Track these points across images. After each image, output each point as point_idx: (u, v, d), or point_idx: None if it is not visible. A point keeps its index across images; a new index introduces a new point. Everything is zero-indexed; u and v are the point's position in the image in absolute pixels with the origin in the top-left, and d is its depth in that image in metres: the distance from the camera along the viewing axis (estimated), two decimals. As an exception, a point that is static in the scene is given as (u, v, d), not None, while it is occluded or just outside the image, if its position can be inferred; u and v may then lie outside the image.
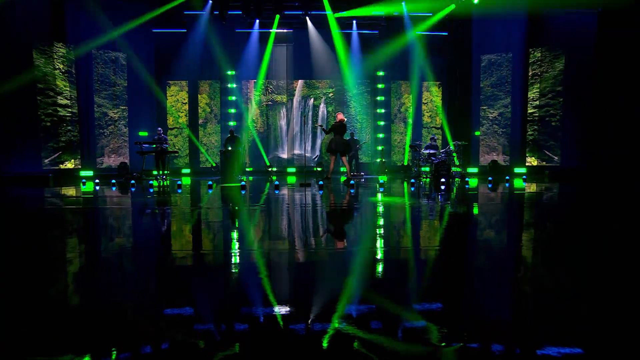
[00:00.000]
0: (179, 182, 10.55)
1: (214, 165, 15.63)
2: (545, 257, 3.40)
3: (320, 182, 9.49)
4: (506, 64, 14.87)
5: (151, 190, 9.24)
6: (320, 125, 10.70)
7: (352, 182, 9.87)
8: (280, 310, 2.22)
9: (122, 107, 14.92)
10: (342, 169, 10.81)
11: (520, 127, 14.54)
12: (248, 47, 15.66)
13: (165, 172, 12.84)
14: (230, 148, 13.61)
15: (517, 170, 14.11)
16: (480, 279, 2.90)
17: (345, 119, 10.46)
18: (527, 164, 14.31)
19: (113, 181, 10.87)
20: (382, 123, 16.24)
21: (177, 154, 14.25)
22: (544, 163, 14.15)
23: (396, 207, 6.53)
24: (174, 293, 2.61)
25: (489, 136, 15.48)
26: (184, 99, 15.92)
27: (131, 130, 14.99)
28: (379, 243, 3.87)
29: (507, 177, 11.65)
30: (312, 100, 16.24)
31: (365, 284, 2.75)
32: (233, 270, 3.07)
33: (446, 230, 4.62)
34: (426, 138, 15.87)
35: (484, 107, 15.29)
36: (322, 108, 16.27)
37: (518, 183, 10.81)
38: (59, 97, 13.22)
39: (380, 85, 16.19)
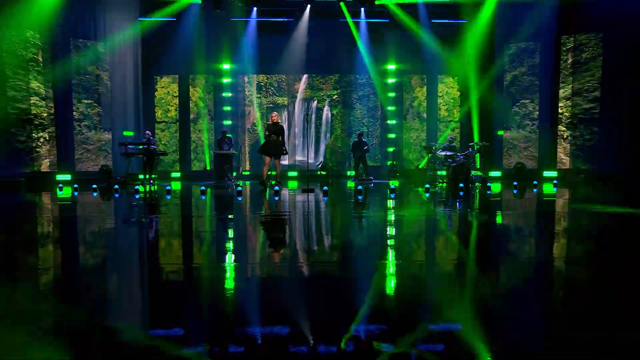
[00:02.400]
0: (169, 188, 10.33)
1: (208, 168, 15.43)
2: (586, 282, 3.14)
3: (325, 188, 9.26)
4: (539, 50, 14.43)
5: (137, 197, 9.04)
6: (267, 135, 10.48)
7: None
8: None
9: (86, 101, 14.16)
10: (272, 172, 10.71)
11: (550, 124, 14.18)
12: (245, 38, 15.45)
13: (153, 176, 12.63)
14: (224, 150, 13.40)
15: (546, 174, 13.78)
16: (501, 308, 2.65)
17: (279, 121, 10.48)
18: (560, 167, 13.92)
19: (94, 186, 10.66)
20: (393, 122, 16.01)
21: (165, 154, 14.01)
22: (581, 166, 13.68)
23: (404, 216, 6.29)
24: (158, 313, 2.37)
25: (532, 143, 14.56)
26: (175, 92, 15.74)
27: (114, 129, 14.75)
28: (389, 258, 3.64)
29: (535, 182, 11.38)
30: (315, 102, 16.13)
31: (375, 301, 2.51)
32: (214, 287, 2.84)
33: (461, 246, 4.38)
34: (444, 135, 15.66)
35: (525, 102, 14.69)
36: (325, 111, 16.14)
37: (548, 188, 10.55)
38: (31, 91, 12.95)
39: (390, 80, 15.97)
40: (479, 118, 14.90)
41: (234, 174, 13.41)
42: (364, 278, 3.17)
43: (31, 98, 12.96)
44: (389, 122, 16.03)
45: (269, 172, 10.53)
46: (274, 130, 10.18)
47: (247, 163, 16.03)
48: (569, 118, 13.97)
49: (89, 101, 14.37)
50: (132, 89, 14.86)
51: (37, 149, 13.16)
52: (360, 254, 3.96)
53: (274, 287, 2.94)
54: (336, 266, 3.52)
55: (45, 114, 13.24)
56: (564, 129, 14.08)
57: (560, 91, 14.10)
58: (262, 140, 13.18)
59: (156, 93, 15.66)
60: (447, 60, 15.12)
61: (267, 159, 10.39)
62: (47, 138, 13.34)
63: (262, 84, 16.07)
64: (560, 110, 14.12)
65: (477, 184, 12.02)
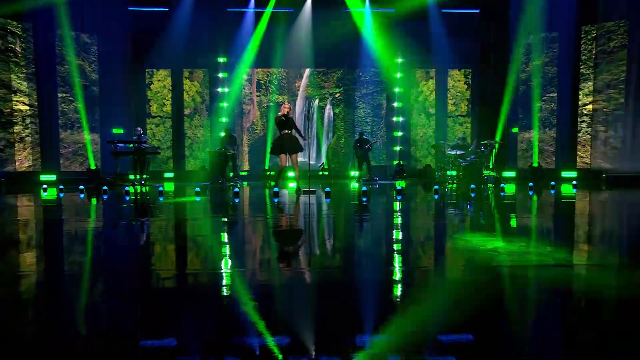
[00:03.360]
0: (161, 189, 10.04)
1: (204, 167, 15.14)
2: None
3: (327, 189, 8.96)
4: (558, 42, 13.91)
5: (127, 199, 8.76)
6: (278, 123, 9.37)
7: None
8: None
9: (63, 95, 13.57)
10: (274, 173, 9.71)
11: (569, 121, 13.81)
12: (242, 30, 15.17)
13: (144, 176, 12.34)
14: (226, 149, 13.02)
15: (565, 174, 13.44)
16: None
17: (290, 112, 9.21)
18: (579, 167, 13.53)
19: (81, 187, 10.35)
20: (399, 119, 15.69)
21: (158, 152, 13.66)
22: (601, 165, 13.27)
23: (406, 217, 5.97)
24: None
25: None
26: (171, 86, 15.49)
27: (103, 126, 14.42)
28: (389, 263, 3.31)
29: (553, 183, 11.06)
30: (316, 101, 15.90)
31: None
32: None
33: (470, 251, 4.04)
34: (452, 129, 15.36)
35: (552, 94, 14.07)
36: (327, 110, 15.91)
37: (567, 190, 10.22)
38: (13, 86, 12.62)
39: (397, 75, 15.65)
40: (490, 114, 14.57)
41: (231, 174, 13.12)
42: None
43: (12, 93, 12.63)
44: (394, 119, 15.73)
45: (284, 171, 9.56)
46: (286, 124, 9.12)
47: (247, 163, 15.80)
48: (603, 115, 13.42)
49: (66, 95, 13.93)
50: (121, 82, 14.54)
51: (9, 148, 12.83)
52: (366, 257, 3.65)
53: (273, 294, 2.64)
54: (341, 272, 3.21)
55: (10, 110, 12.83)
56: (598, 125, 13.47)
57: (588, 84, 13.59)
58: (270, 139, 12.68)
59: (152, 86, 15.39)
60: (458, 53, 14.81)
61: (283, 157, 9.23)
62: (19, 137, 12.97)
63: (262, 81, 15.80)
64: (591, 107, 13.60)
65: (489, 184, 11.72)
